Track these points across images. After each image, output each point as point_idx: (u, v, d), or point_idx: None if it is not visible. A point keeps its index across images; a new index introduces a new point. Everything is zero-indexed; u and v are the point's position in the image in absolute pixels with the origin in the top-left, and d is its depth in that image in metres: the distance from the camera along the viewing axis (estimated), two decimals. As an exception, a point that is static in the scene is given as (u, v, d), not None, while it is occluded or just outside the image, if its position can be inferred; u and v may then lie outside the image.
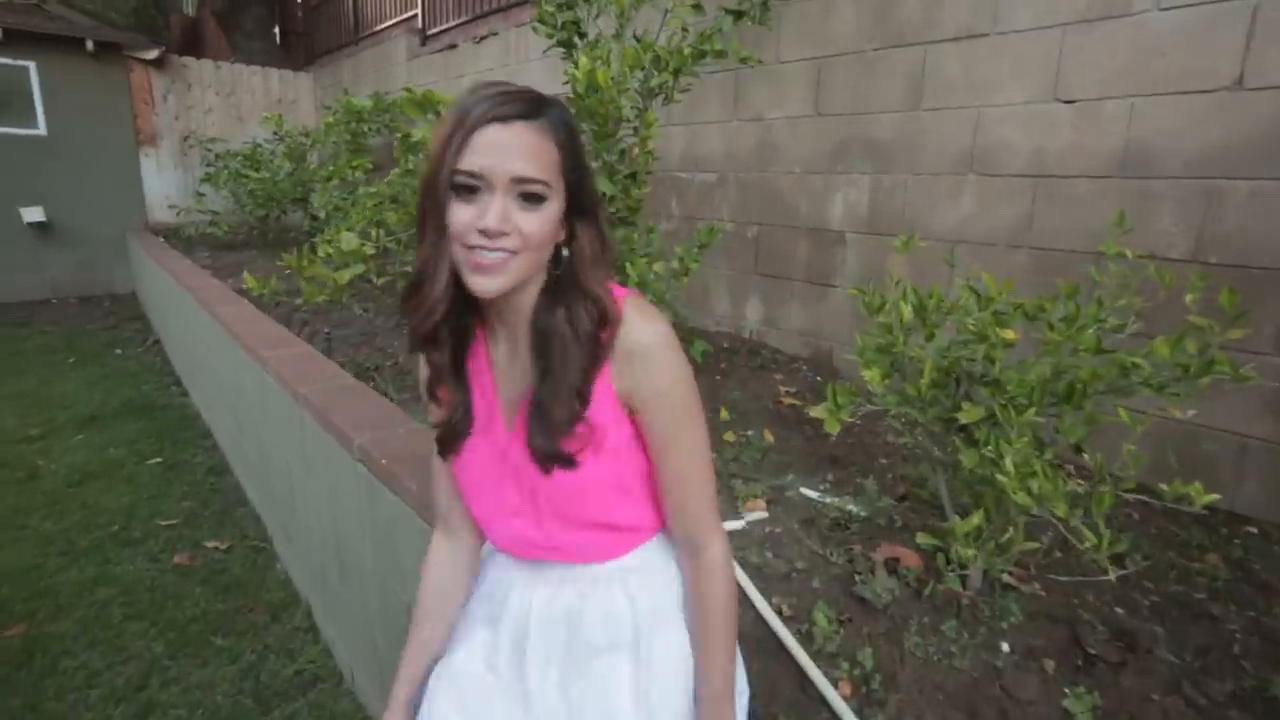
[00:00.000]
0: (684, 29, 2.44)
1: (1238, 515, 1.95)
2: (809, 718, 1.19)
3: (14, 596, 2.30)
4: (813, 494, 1.95)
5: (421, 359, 0.86)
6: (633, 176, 2.43)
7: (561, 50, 2.59)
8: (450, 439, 0.88)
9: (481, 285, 0.73)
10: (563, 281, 0.78)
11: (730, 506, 1.87)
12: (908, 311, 1.51)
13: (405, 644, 1.01)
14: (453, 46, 5.71)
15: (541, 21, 2.52)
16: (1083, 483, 1.61)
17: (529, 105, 0.72)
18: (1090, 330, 1.34)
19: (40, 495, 3.03)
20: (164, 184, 7.86)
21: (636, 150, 2.41)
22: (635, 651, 0.88)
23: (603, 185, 2.36)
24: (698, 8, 2.46)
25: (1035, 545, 1.42)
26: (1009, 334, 1.38)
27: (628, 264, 2.33)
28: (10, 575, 2.43)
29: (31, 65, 6.91)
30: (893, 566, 1.59)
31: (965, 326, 1.42)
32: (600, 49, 2.35)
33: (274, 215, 6.14)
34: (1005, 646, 1.37)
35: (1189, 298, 1.36)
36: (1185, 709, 1.23)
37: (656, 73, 2.38)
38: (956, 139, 2.52)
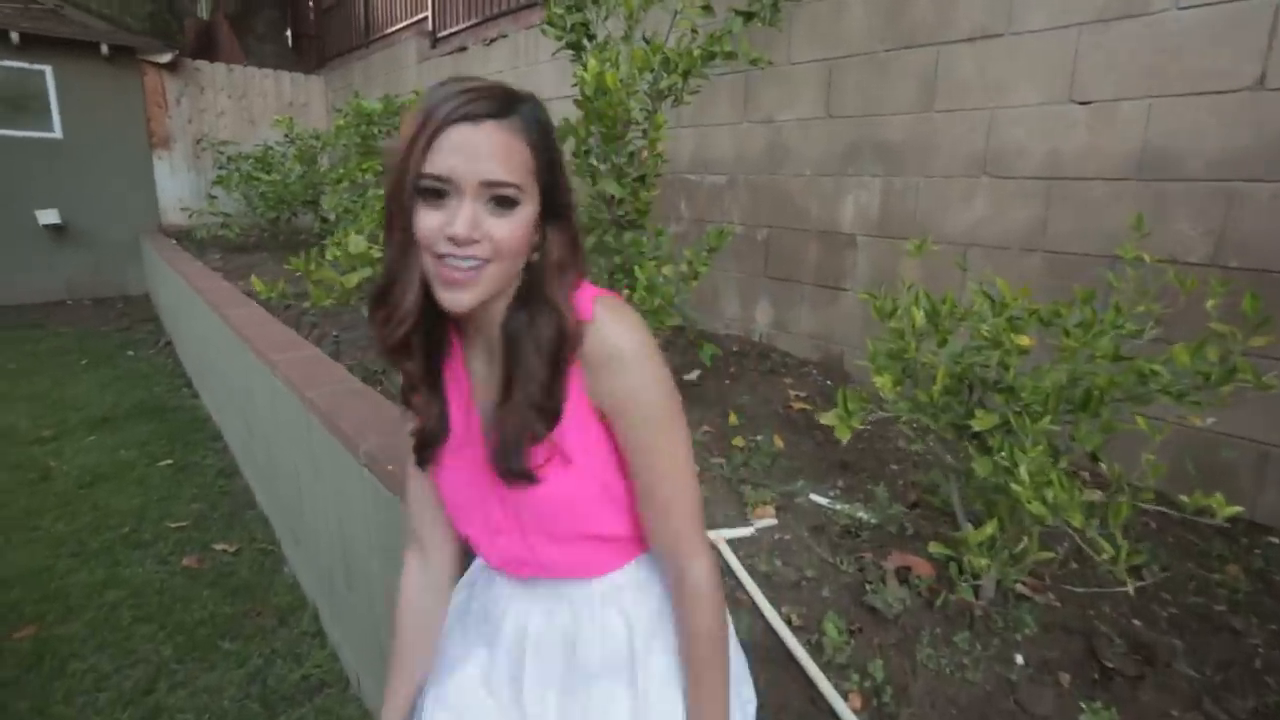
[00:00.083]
0: (693, 30, 2.43)
1: (1258, 525, 1.91)
2: (818, 732, 1.17)
3: (25, 598, 2.31)
4: (823, 500, 1.93)
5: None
6: (641, 179, 2.42)
7: (570, 52, 2.58)
8: (425, 447, 0.84)
9: (452, 300, 0.69)
10: (529, 289, 0.74)
11: (739, 513, 1.85)
12: (920, 317, 1.48)
13: (388, 674, 0.98)
14: (463, 49, 5.72)
15: (550, 24, 2.51)
16: (1099, 491, 1.58)
17: (499, 102, 0.68)
18: (1107, 337, 1.32)
19: (52, 496, 3.05)
20: (177, 186, 7.93)
21: (645, 153, 2.40)
22: (632, 674, 0.86)
23: (611, 188, 2.34)
24: (707, 9, 2.45)
25: (1050, 555, 1.39)
26: (1024, 340, 1.36)
27: (636, 267, 2.31)
28: (22, 577, 2.44)
29: (48, 69, 6.98)
30: (904, 575, 1.57)
31: (979, 333, 1.40)
32: (609, 51, 2.33)
33: (285, 217, 6.17)
34: (1019, 659, 1.34)
35: (1210, 303, 1.33)
36: (1206, 726, 1.20)
37: (666, 75, 2.36)
38: (969, 141, 2.49)
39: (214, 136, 7.87)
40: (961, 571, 1.47)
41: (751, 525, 1.79)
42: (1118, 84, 2.11)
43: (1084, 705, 1.22)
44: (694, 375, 2.90)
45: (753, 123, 3.29)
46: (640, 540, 0.86)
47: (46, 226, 7.10)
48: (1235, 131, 1.91)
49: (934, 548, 1.46)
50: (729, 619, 0.92)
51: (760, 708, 1.03)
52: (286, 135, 6.07)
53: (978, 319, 1.42)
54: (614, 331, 0.73)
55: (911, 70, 2.64)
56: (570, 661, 0.86)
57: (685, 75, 2.38)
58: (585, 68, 2.22)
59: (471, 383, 0.82)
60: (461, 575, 1.01)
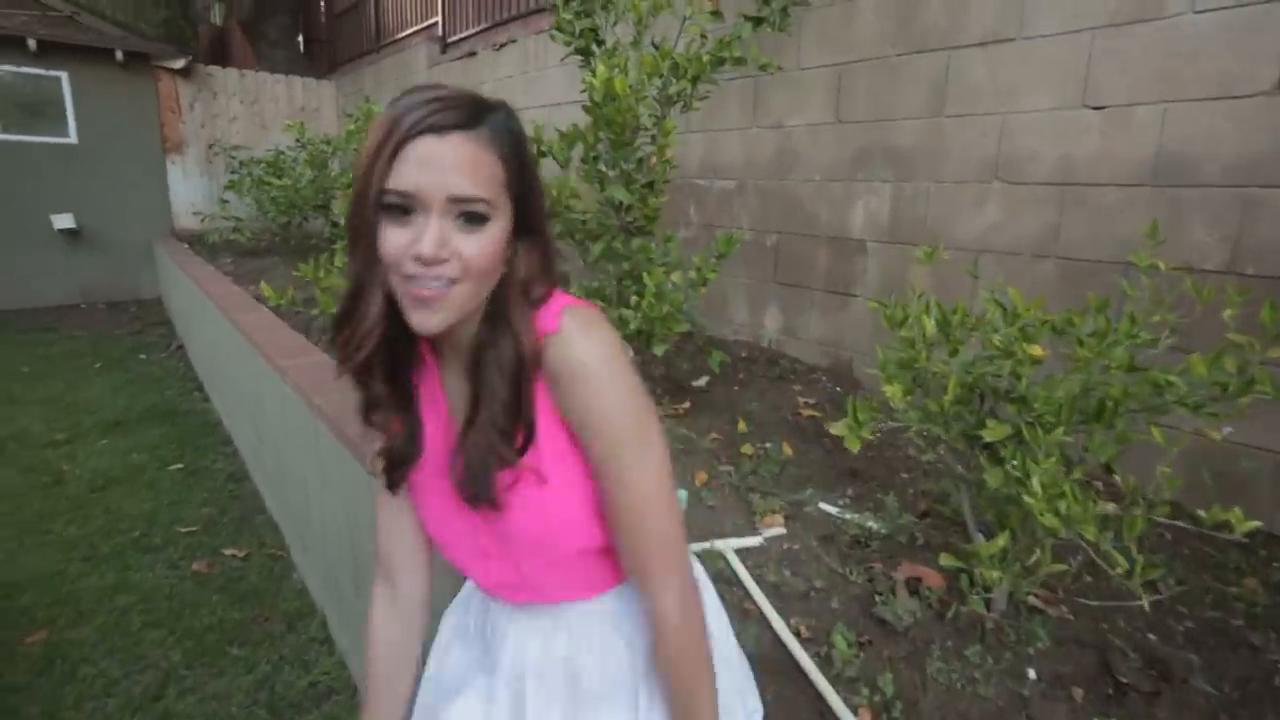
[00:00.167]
0: (702, 36, 2.42)
1: (1277, 537, 1.88)
2: (828, 748, 1.16)
3: (37, 603, 2.33)
4: (832, 510, 1.91)
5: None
6: (650, 185, 2.41)
7: (579, 58, 2.58)
8: (394, 468, 0.81)
9: (421, 321, 0.66)
10: (494, 307, 0.71)
11: (748, 522, 1.84)
12: (930, 326, 1.47)
13: (364, 714, 0.94)
14: (472, 54, 5.75)
15: (559, 29, 2.51)
16: (1113, 503, 1.56)
17: (467, 112, 0.64)
18: (1122, 347, 1.30)
19: (65, 500, 3.08)
20: (189, 191, 8.00)
21: (654, 159, 2.39)
22: (635, 698, 0.83)
23: (620, 194, 2.34)
24: (716, 14, 2.44)
25: (1063, 568, 1.37)
26: (1036, 350, 1.34)
27: (645, 273, 2.30)
28: (34, 581, 2.46)
29: (64, 75, 7.07)
30: (914, 586, 1.55)
31: (991, 342, 1.38)
32: (618, 57, 2.33)
33: (296, 222, 6.21)
34: (1032, 673, 1.32)
35: (1227, 313, 1.31)
36: (1224, 745, 1.18)
37: (675, 80, 2.36)
38: (981, 146, 2.47)
39: (226, 141, 7.94)
40: (973, 583, 1.45)
41: (760, 534, 1.77)
42: (1131, 88, 2.09)
43: (1098, 722, 1.20)
44: (702, 381, 2.89)
45: (762, 128, 3.28)
46: None
47: (61, 231, 7.19)
48: (1252, 136, 1.89)
49: (945, 560, 1.44)
50: (713, 643, 0.88)
51: (766, 718, 1.02)
52: (298, 140, 6.11)
53: (989, 328, 1.40)
54: (580, 346, 0.69)
55: (922, 75, 2.62)
56: (572, 689, 0.84)
57: (694, 81, 2.37)
58: (594, 74, 2.22)
59: (449, 402, 0.79)
60: (430, 606, 0.96)
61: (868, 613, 1.48)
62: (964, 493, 1.56)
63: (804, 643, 1.38)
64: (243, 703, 1.93)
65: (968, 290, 2.47)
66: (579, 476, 0.74)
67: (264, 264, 5.50)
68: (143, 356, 5.51)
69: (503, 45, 5.27)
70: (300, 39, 10.84)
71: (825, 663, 1.32)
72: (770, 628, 1.43)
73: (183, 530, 2.83)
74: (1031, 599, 1.50)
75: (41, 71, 6.94)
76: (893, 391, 1.46)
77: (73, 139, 7.22)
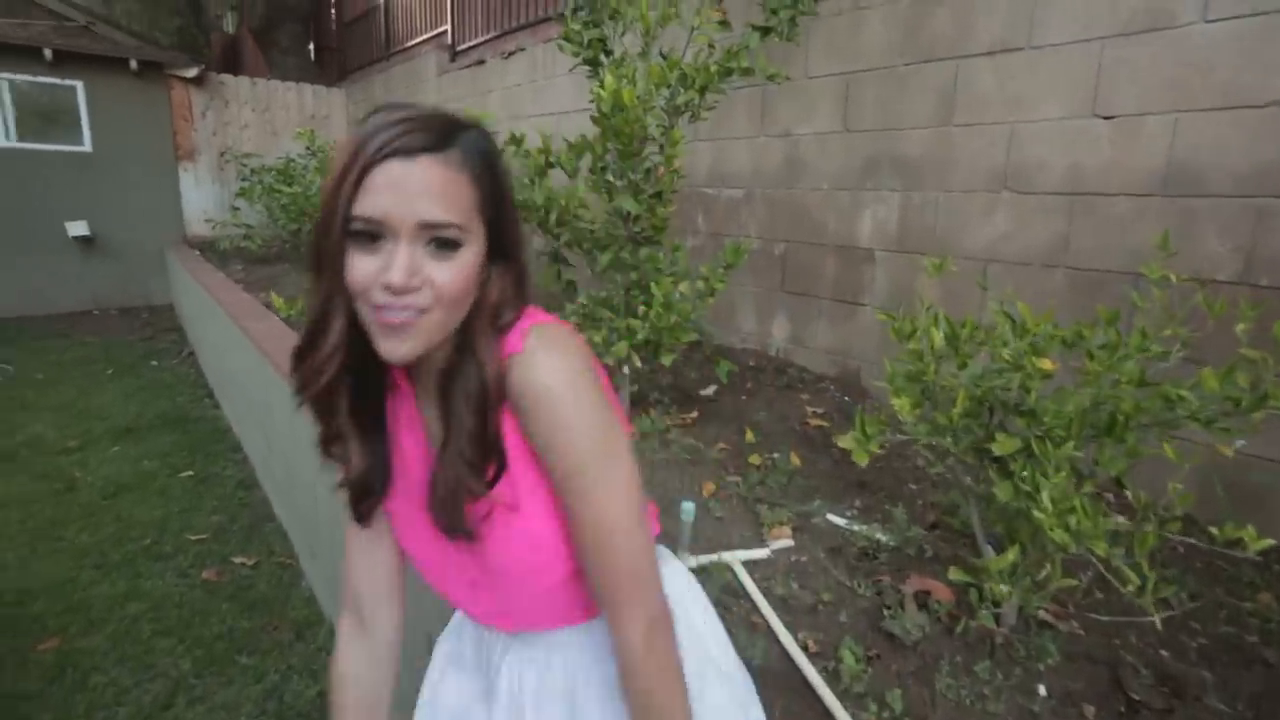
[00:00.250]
0: (710, 45, 2.43)
1: (1292, 551, 1.86)
2: (836, 765, 1.15)
3: (49, 610, 2.35)
4: (840, 521, 1.90)
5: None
6: (658, 195, 2.41)
7: (587, 68, 2.59)
8: (361, 498, 0.77)
9: (391, 350, 0.63)
10: (463, 332, 0.68)
11: (755, 533, 1.83)
12: (939, 338, 1.46)
13: None
14: (481, 62, 5.78)
15: (567, 39, 2.52)
16: (1124, 516, 1.54)
17: (437, 134, 0.61)
18: (1132, 361, 1.29)
19: (77, 507, 3.10)
20: (201, 198, 8.08)
21: (662, 169, 2.40)
22: None
23: (628, 204, 2.35)
24: (724, 24, 2.45)
25: (1074, 583, 1.36)
26: (1046, 364, 1.33)
27: (653, 283, 2.31)
28: (47, 588, 2.48)
29: (79, 85, 7.16)
30: (923, 600, 1.54)
31: (1000, 356, 1.37)
32: (626, 67, 2.34)
33: (306, 229, 6.26)
34: (1042, 690, 1.31)
35: (1240, 327, 1.30)
36: (1238, 765, 1.17)
37: (683, 90, 2.37)
38: (989, 155, 2.46)
39: (238, 149, 8.02)
40: (982, 597, 1.44)
41: (768, 546, 1.77)
42: (1142, 98, 2.08)
43: (1110, 740, 1.19)
44: (710, 390, 2.89)
45: (770, 136, 3.28)
46: None
47: (75, 238, 7.27)
48: (1264, 146, 1.87)
49: (953, 574, 1.43)
50: (712, 657, 0.88)
51: (775, 737, 1.01)
52: (308, 148, 6.17)
53: (999, 342, 1.39)
54: (543, 368, 0.66)
55: (930, 84, 2.62)
56: (571, 717, 0.82)
57: (702, 91, 2.38)
58: (602, 84, 2.23)
59: (426, 430, 0.75)
60: (399, 651, 0.91)
61: (876, 626, 1.47)
62: (973, 505, 1.55)
63: (812, 657, 1.37)
64: (251, 712, 1.94)
65: (977, 300, 2.46)
66: (552, 497, 0.72)
67: (274, 271, 5.54)
68: (154, 363, 5.55)
69: (511, 54, 5.30)
70: (311, 47, 10.93)
71: (833, 678, 1.31)
72: (778, 641, 1.42)
73: (193, 538, 2.84)
74: (1042, 613, 1.48)
75: (57, 81, 7.04)
76: (901, 404, 1.45)
77: (87, 147, 7.31)
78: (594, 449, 0.67)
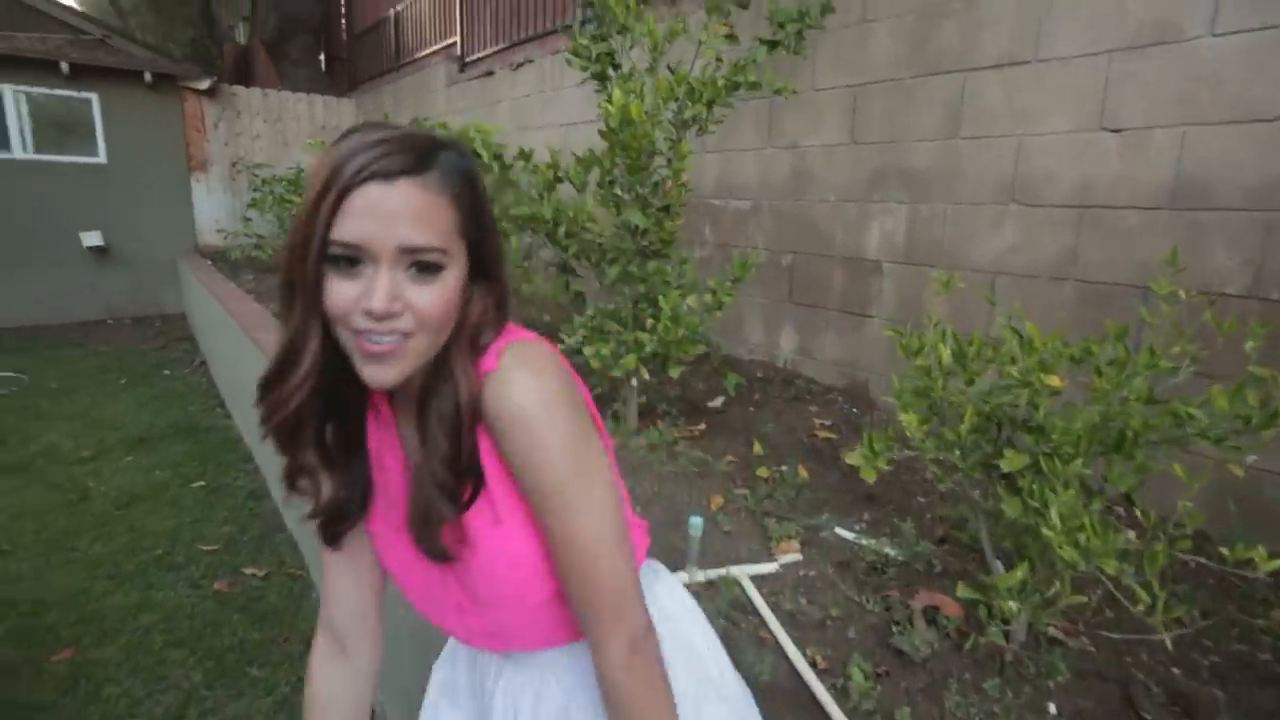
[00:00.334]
0: (718, 59, 2.44)
1: (1305, 566, 1.84)
2: (844, 785, 1.15)
3: (62, 621, 2.37)
4: (848, 535, 1.90)
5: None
6: (666, 209, 2.43)
7: (596, 82, 2.61)
8: (334, 522, 0.76)
9: (373, 376, 0.62)
10: (439, 354, 0.66)
11: (763, 547, 1.84)
12: (946, 354, 1.46)
13: None
14: (490, 73, 5.83)
15: (576, 54, 2.54)
16: (1134, 531, 1.54)
17: (415, 156, 0.60)
18: (1140, 378, 1.29)
19: (90, 517, 3.13)
20: (213, 208, 8.17)
21: (669, 183, 2.41)
22: None
23: (635, 218, 2.36)
24: (731, 37, 2.46)
25: (1084, 600, 1.36)
26: (1054, 381, 1.33)
27: (661, 297, 2.32)
28: (61, 599, 2.50)
29: (94, 97, 7.26)
30: (932, 615, 1.54)
31: (1009, 373, 1.37)
32: (634, 82, 2.36)
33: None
34: (1052, 708, 1.31)
35: (1249, 345, 1.29)
36: (1251, 787, 1.16)
37: (690, 104, 2.38)
38: (997, 168, 2.46)
39: (249, 159, 8.11)
40: (991, 614, 1.44)
41: (776, 561, 1.77)
42: (1150, 111, 2.08)
43: (1121, 761, 1.18)
44: (718, 402, 2.89)
45: (777, 148, 3.29)
46: None
47: (90, 248, 7.36)
48: (1273, 160, 1.87)
49: (962, 591, 1.43)
50: (710, 677, 0.86)
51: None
52: (319, 159, 6.22)
53: (1007, 360, 1.40)
54: (517, 387, 0.64)
55: (937, 97, 2.62)
56: None
57: (710, 105, 2.39)
58: (610, 99, 2.25)
59: (406, 454, 0.74)
60: (377, 679, 0.90)
61: (884, 643, 1.47)
62: (981, 521, 1.54)
63: (820, 673, 1.37)
64: (262, 724, 1.95)
65: (985, 312, 2.46)
66: (534, 522, 0.71)
67: (285, 281, 5.57)
68: (166, 372, 5.60)
69: (520, 65, 5.34)
70: (322, 58, 11.05)
71: (842, 695, 1.31)
72: (786, 658, 1.42)
73: (204, 549, 2.86)
74: (1051, 630, 1.48)
75: (73, 93, 7.14)
76: (909, 420, 1.45)
77: (102, 158, 7.41)
78: (570, 469, 0.66)
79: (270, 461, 3.44)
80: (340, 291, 0.60)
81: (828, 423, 2.67)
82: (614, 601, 0.70)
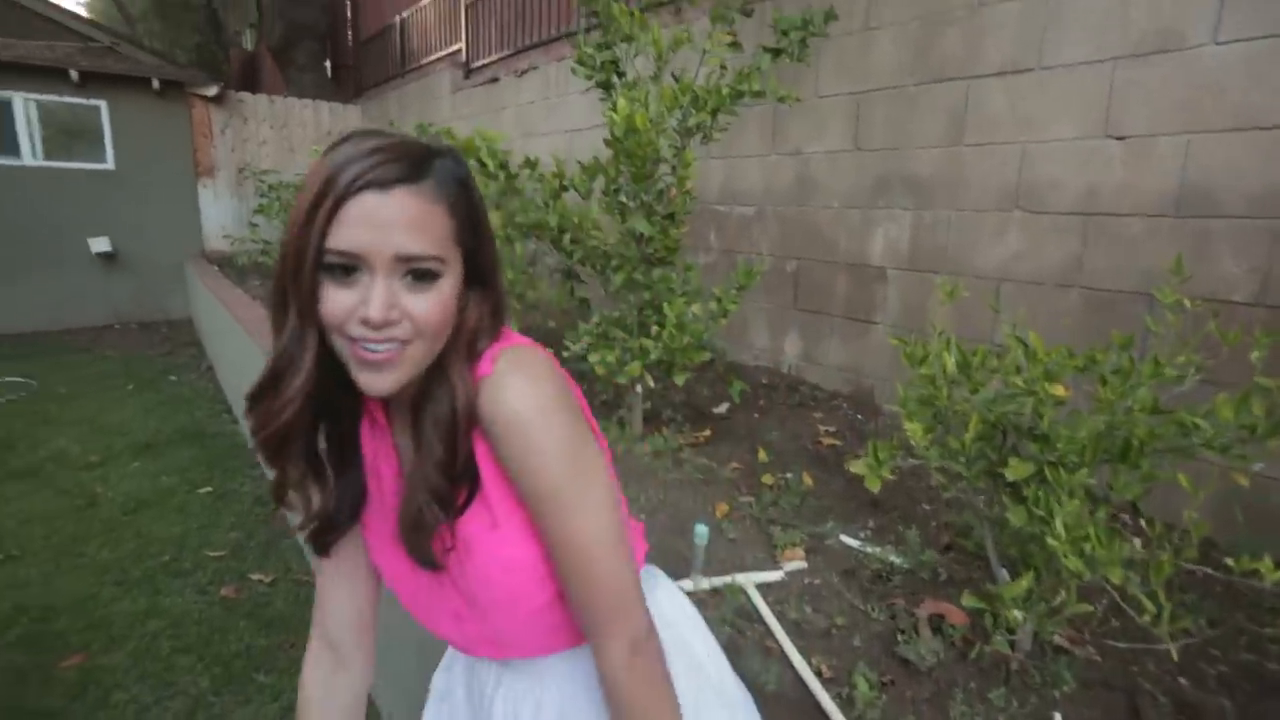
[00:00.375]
0: (722, 67, 2.46)
1: (1312, 574, 1.83)
2: (850, 795, 1.15)
3: (71, 627, 2.39)
4: (853, 542, 1.90)
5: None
6: (670, 217, 2.44)
7: (601, 91, 2.63)
8: (323, 533, 0.75)
9: (370, 383, 0.62)
10: (435, 361, 0.66)
11: (768, 555, 1.84)
12: (950, 363, 1.47)
13: None
14: (494, 80, 5.85)
15: (581, 63, 2.56)
16: (1140, 538, 1.53)
17: (411, 165, 0.60)
18: (1145, 388, 1.29)
19: (98, 523, 3.15)
20: (220, 214, 8.22)
21: (674, 191, 2.42)
22: None
23: (640, 225, 2.37)
24: (735, 45, 2.47)
25: (1089, 609, 1.36)
26: (1059, 390, 1.33)
27: (665, 304, 2.33)
28: (70, 605, 2.52)
29: (103, 104, 7.32)
30: (937, 624, 1.54)
31: (1013, 383, 1.38)
32: (638, 90, 2.37)
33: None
34: (1058, 717, 1.30)
35: (1254, 355, 1.30)
36: (1258, 798, 1.16)
37: (695, 112, 2.39)
38: (1001, 175, 2.47)
39: (256, 165, 8.15)
40: (996, 623, 1.44)
41: (781, 569, 1.77)
42: (1154, 119, 2.08)
43: (1127, 771, 1.18)
44: (723, 408, 2.89)
45: (781, 155, 3.30)
46: None
47: (98, 254, 7.41)
48: (1276, 168, 1.87)
49: (967, 600, 1.43)
50: (711, 684, 0.86)
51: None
52: (325, 165, 6.25)
53: (1012, 368, 1.40)
54: (512, 392, 0.65)
55: (940, 104, 2.63)
56: None
57: (714, 113, 2.40)
58: (615, 108, 2.26)
59: (400, 461, 0.73)
60: (368, 688, 0.90)
61: (890, 651, 1.47)
62: (986, 529, 1.55)
63: (825, 683, 1.37)
64: (269, 730, 1.96)
65: (990, 317, 2.46)
66: (532, 526, 0.71)
67: (291, 287, 5.60)
68: (173, 378, 5.63)
69: (524, 72, 5.36)
70: (328, 64, 11.12)
71: (847, 704, 1.32)
72: (791, 666, 1.42)
73: (211, 554, 2.88)
74: (1057, 639, 1.48)
75: (82, 100, 7.20)
76: (913, 429, 1.46)
77: (110, 165, 7.47)
78: (567, 472, 0.66)
79: (277, 467, 3.45)
80: (336, 300, 0.60)
81: (832, 429, 2.67)
82: (614, 603, 0.70)
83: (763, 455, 2.40)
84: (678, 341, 2.27)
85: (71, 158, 7.29)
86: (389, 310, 0.59)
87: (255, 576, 2.71)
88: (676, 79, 2.42)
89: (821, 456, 2.45)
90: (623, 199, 2.44)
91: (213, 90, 7.89)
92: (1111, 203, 2.19)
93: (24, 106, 6.96)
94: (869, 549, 1.86)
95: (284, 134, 8.61)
